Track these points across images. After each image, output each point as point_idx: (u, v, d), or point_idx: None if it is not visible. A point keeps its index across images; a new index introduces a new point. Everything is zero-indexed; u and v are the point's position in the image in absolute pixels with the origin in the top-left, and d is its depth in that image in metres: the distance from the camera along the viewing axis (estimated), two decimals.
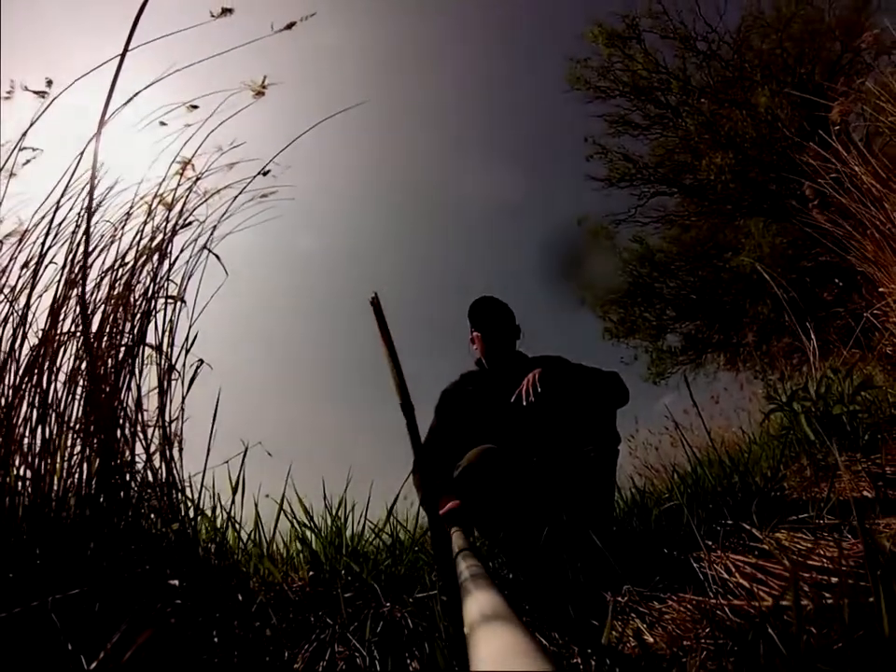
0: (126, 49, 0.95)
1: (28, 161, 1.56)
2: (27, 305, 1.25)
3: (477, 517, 1.63)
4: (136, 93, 1.58)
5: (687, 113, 11.98)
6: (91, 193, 1.13)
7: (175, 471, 1.37)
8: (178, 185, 1.59)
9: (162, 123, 1.71)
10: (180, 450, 1.44)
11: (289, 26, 1.70)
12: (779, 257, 9.85)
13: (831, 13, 11.37)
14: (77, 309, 1.28)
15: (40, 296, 1.30)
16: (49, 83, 1.70)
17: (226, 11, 1.61)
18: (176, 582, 1.00)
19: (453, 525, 1.42)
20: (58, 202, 1.37)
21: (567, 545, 1.44)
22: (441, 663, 0.92)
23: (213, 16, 1.60)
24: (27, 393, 1.21)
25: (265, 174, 1.84)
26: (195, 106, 1.75)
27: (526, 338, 2.19)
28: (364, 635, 1.06)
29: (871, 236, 2.71)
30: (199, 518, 1.33)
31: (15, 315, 1.24)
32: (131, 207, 1.51)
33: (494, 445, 1.73)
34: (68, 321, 1.32)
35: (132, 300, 1.32)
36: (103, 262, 1.41)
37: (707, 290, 11.91)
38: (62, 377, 1.28)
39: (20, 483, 1.16)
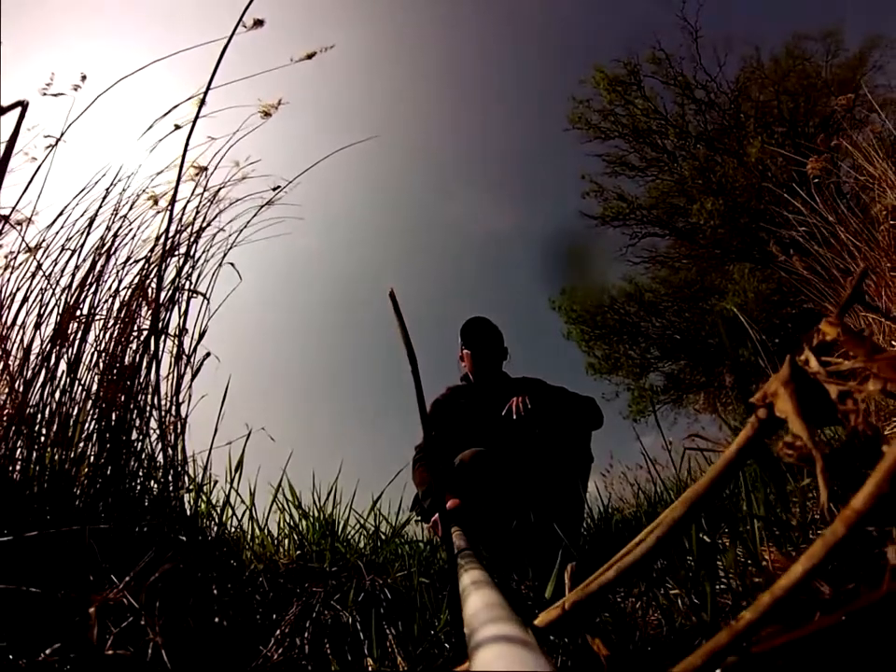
0: (209, 86, 1.10)
1: (51, 148, 1.68)
2: (64, 283, 1.38)
3: (473, 512, 1.76)
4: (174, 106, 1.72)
5: (683, 158, 12.33)
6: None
7: (180, 449, 1.49)
8: (203, 193, 1.72)
9: (177, 126, 1.82)
10: (183, 431, 1.56)
11: (309, 56, 1.84)
12: (763, 302, 10.10)
13: (828, 70, 11.83)
14: (108, 291, 1.41)
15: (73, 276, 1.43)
16: (84, 78, 1.83)
17: (258, 23, 1.73)
18: (185, 538, 1.12)
19: (453, 524, 1.52)
20: (102, 200, 1.51)
21: (539, 539, 1.57)
22: (418, 623, 1.04)
23: (245, 27, 1.71)
24: (52, 361, 1.32)
25: (276, 188, 1.99)
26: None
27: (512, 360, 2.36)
28: (347, 602, 1.18)
29: (847, 286, 2.88)
30: (199, 493, 1.44)
31: (51, 289, 1.36)
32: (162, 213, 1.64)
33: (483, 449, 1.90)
34: (91, 303, 1.45)
35: (155, 289, 1.45)
36: (130, 252, 1.55)
37: (692, 332, 12.11)
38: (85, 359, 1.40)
39: (38, 445, 1.26)
